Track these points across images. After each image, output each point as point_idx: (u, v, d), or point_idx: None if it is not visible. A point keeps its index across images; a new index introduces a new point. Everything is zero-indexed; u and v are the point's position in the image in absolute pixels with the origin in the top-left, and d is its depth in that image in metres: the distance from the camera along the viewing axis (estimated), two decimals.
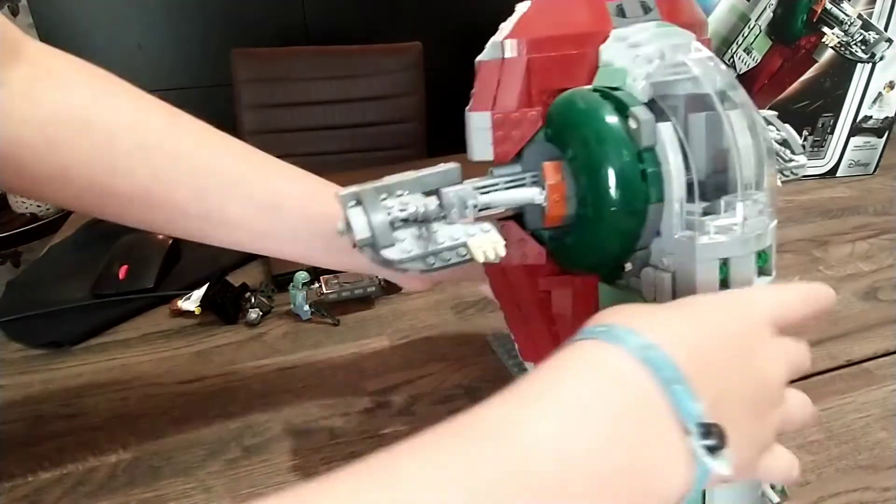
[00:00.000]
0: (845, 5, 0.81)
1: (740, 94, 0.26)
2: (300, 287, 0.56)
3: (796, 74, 0.85)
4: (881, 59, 0.84)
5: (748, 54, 0.83)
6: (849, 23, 0.82)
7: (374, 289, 0.59)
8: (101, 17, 1.58)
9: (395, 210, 0.27)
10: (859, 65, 0.85)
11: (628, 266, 0.29)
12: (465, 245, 0.28)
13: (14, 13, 1.88)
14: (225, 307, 0.58)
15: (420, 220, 0.28)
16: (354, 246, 0.27)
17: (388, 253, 0.27)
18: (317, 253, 0.40)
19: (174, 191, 0.36)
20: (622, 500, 0.19)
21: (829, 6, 0.81)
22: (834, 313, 0.57)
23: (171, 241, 0.67)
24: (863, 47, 0.84)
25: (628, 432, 0.20)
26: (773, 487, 0.33)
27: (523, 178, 0.30)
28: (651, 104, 0.27)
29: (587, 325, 0.23)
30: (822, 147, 0.91)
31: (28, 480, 0.42)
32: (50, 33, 1.53)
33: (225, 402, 0.48)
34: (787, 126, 0.38)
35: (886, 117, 0.89)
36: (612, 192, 0.27)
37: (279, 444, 0.44)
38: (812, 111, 0.88)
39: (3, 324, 0.58)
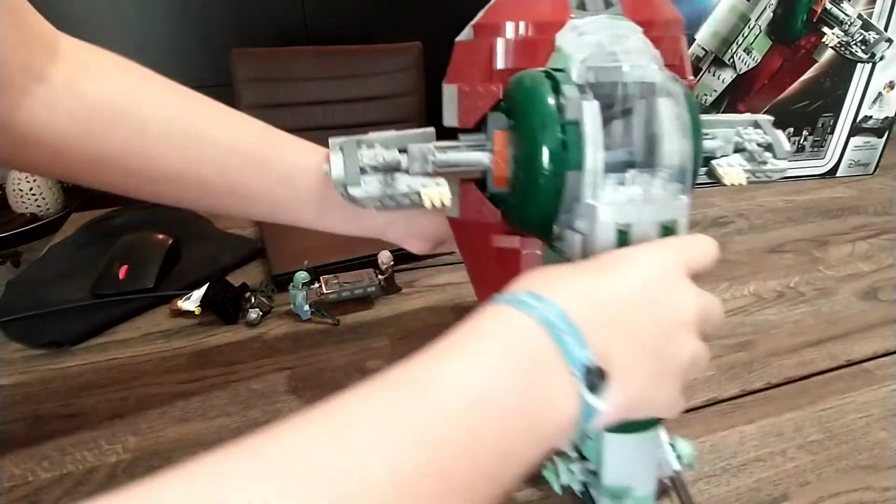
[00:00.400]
0: (845, 5, 0.81)
1: (675, 85, 0.30)
2: (300, 287, 0.56)
3: (796, 74, 0.85)
4: (881, 59, 0.85)
5: (748, 54, 0.83)
6: (849, 23, 0.82)
7: (374, 289, 0.59)
8: (101, 18, 1.58)
9: (366, 159, 0.34)
10: (859, 65, 0.85)
11: (556, 229, 0.32)
12: (418, 193, 0.34)
13: None
14: (225, 307, 0.58)
15: (388, 170, 0.34)
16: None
17: (353, 191, 0.34)
18: (330, 220, 0.43)
19: (201, 170, 0.39)
20: (521, 432, 0.24)
21: (829, 6, 0.81)
22: (834, 313, 0.57)
23: (171, 241, 0.67)
24: (863, 47, 0.84)
25: (526, 380, 0.24)
26: (679, 459, 0.36)
27: (484, 145, 0.35)
28: (591, 87, 0.30)
29: (504, 291, 0.27)
30: (822, 147, 0.91)
31: (28, 480, 0.42)
32: None
33: (225, 402, 0.48)
34: (778, 133, 0.41)
35: (886, 117, 0.89)
36: (538, 157, 0.31)
37: None
38: (812, 111, 0.88)
39: (3, 324, 0.58)
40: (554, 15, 0.34)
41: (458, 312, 0.59)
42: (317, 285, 0.58)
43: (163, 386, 0.50)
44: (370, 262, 0.61)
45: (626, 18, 0.34)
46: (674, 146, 0.29)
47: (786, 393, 0.47)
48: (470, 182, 0.38)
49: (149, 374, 0.52)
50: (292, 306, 0.58)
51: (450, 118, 0.37)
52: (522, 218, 0.35)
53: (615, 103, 0.30)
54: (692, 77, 0.38)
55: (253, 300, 0.59)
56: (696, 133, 0.32)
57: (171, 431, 0.45)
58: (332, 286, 0.58)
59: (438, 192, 0.34)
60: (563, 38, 0.33)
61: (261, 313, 0.58)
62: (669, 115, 0.29)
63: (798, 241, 0.72)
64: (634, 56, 0.30)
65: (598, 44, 0.31)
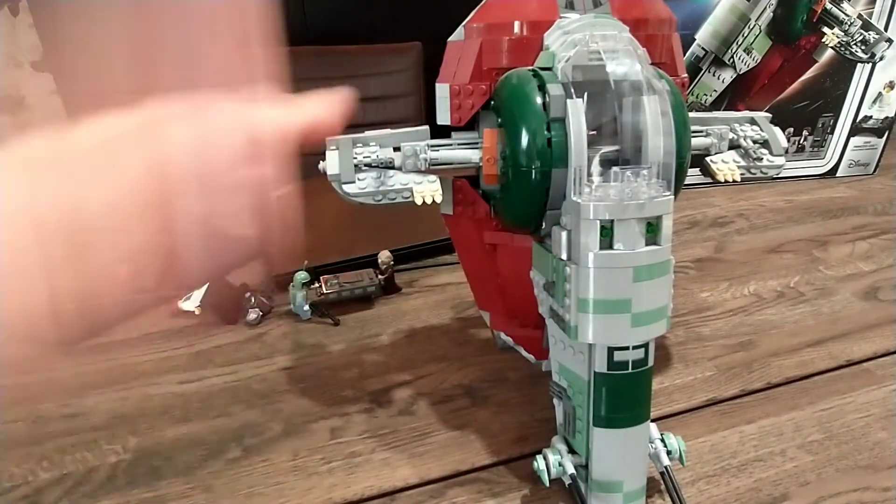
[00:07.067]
0: (845, 5, 0.81)
1: (659, 83, 0.30)
2: (300, 287, 0.56)
3: (796, 74, 0.85)
4: (881, 59, 0.85)
5: (748, 54, 0.83)
6: (849, 23, 0.82)
7: (373, 288, 0.59)
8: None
9: (361, 157, 0.35)
10: (859, 65, 0.85)
11: (544, 225, 0.33)
12: (410, 190, 0.35)
13: (14, 13, 1.88)
14: (225, 307, 0.58)
15: (382, 167, 0.35)
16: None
17: (347, 188, 0.34)
18: None
19: None
20: None
21: (829, 6, 0.81)
22: (834, 313, 0.57)
23: None
24: (863, 47, 0.84)
25: None
26: (669, 454, 0.37)
27: (476, 143, 0.35)
28: (583, 85, 0.31)
29: None
30: (822, 147, 0.91)
31: (28, 480, 0.42)
32: (49, 33, 1.53)
33: (225, 402, 0.48)
34: (775, 129, 0.41)
35: (886, 117, 0.89)
36: (524, 154, 0.31)
37: (279, 444, 0.44)
38: (812, 111, 0.88)
39: None
40: (543, 14, 0.34)
41: (458, 312, 0.59)
42: (317, 285, 0.58)
43: (163, 386, 0.50)
44: (370, 262, 0.61)
45: (614, 17, 0.34)
46: (657, 143, 0.30)
47: (786, 393, 0.47)
48: (463, 179, 0.39)
49: (149, 374, 0.52)
50: (292, 306, 0.58)
51: (443, 116, 0.38)
52: (511, 214, 0.35)
53: (607, 101, 0.30)
54: (685, 75, 0.39)
55: (253, 300, 0.59)
56: (682, 130, 0.32)
57: (171, 431, 0.45)
58: (332, 286, 0.58)
59: (430, 190, 0.35)
60: (551, 38, 0.34)
61: (261, 313, 0.58)
62: (653, 113, 0.30)
63: (798, 241, 0.72)
64: (618, 54, 0.31)
65: (582, 42, 0.31)
